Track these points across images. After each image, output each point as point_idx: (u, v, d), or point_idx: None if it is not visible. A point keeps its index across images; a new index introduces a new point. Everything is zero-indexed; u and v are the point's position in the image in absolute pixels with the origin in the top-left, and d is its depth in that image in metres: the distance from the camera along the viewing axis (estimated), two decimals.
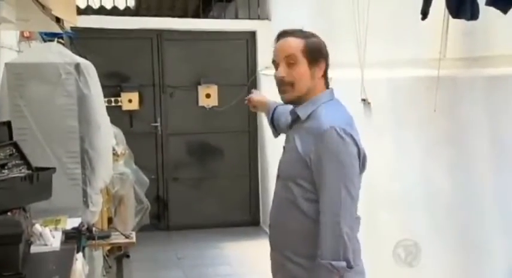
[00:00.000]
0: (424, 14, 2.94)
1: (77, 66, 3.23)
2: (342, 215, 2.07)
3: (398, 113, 3.91)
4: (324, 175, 2.12)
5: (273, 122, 2.91)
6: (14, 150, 2.72)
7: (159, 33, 7.01)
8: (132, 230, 4.13)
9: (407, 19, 3.18)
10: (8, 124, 2.84)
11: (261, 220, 7.45)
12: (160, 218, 7.01)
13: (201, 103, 7.22)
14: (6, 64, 3.24)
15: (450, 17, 2.85)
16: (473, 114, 3.04)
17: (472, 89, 3.09)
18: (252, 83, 7.34)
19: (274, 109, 2.88)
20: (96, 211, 3.55)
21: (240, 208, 7.45)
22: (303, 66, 2.23)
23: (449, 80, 3.22)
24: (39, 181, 2.69)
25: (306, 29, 5.04)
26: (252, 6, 7.45)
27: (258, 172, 7.37)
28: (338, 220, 2.06)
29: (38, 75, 3.19)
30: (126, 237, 3.73)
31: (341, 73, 4.38)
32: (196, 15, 7.64)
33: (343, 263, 2.00)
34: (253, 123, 7.46)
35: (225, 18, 7.76)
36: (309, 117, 2.27)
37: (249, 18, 7.33)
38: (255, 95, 3.10)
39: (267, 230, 5.53)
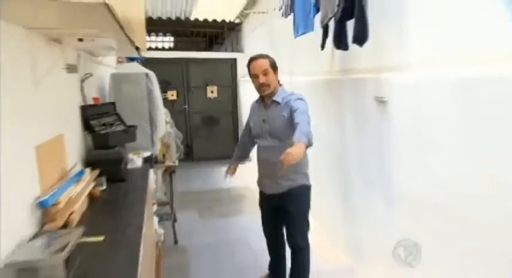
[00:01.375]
0: (322, 46, 2.98)
1: (147, 75, 3.23)
2: (308, 123, 2.11)
3: (312, 100, 3.86)
4: (300, 109, 2.19)
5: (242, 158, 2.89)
6: (117, 117, 2.76)
7: (187, 60, 6.93)
8: (175, 160, 4.18)
9: (315, 48, 3.12)
10: (114, 104, 2.89)
11: None
12: (189, 155, 7.00)
13: (208, 96, 7.17)
14: (111, 74, 3.24)
15: (335, 47, 2.83)
16: (347, 101, 3.05)
17: (345, 86, 3.07)
18: (235, 85, 7.30)
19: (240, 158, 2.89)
20: (158, 149, 3.58)
21: (228, 148, 7.21)
22: (271, 74, 2.33)
23: (335, 82, 3.23)
24: (129, 132, 2.74)
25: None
26: (234, 46, 7.41)
27: (238, 131, 7.31)
28: (308, 123, 2.10)
29: (127, 79, 3.18)
30: (173, 163, 3.80)
31: (281, 77, 4.42)
32: (205, 50, 7.61)
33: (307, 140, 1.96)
34: (234, 107, 7.39)
35: (220, 51, 7.72)
36: (283, 100, 2.35)
37: (233, 51, 7.30)
38: (231, 171, 2.88)
39: (244, 162, 5.47)
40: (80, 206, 1.80)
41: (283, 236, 2.66)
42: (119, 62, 4.10)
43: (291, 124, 2.21)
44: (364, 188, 2.85)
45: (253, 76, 2.36)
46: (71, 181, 1.81)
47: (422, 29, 2.13)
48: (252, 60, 2.38)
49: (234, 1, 5.57)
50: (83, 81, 2.44)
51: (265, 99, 2.44)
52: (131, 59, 3.75)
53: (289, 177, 2.37)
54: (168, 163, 3.87)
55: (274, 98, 2.38)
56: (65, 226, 1.58)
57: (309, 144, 1.97)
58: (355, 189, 3.01)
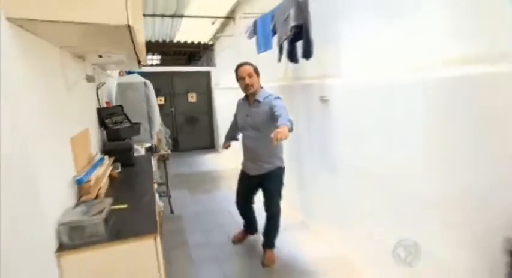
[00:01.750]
0: (279, 60, 3.00)
1: (145, 83, 3.20)
2: (287, 114, 2.04)
3: None
4: (279, 105, 2.12)
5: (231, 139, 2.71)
6: (124, 116, 2.71)
7: (172, 73, 6.71)
8: (168, 150, 4.11)
9: (273, 61, 3.15)
10: (121, 106, 2.82)
11: (215, 145, 7.25)
12: (175, 146, 6.76)
13: (189, 100, 6.99)
14: (117, 83, 3.17)
15: (289, 61, 2.89)
16: (299, 100, 3.08)
17: (297, 89, 3.12)
18: (210, 92, 7.13)
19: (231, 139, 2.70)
20: (155, 142, 3.54)
21: (206, 140, 7.27)
22: (255, 77, 2.28)
23: (289, 87, 3.28)
24: (135, 128, 2.68)
25: (229, 71, 4.75)
26: (208, 62, 7.31)
27: (213, 126, 7.23)
28: (287, 114, 2.03)
29: (130, 87, 3.13)
30: (166, 152, 3.75)
31: None
32: (185, 65, 7.47)
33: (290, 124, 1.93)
34: (210, 109, 7.22)
35: (197, 65, 7.60)
36: (264, 100, 2.27)
37: (207, 66, 7.18)
38: (226, 147, 2.73)
39: (219, 151, 5.22)
40: (105, 183, 1.82)
41: (253, 204, 2.70)
42: (120, 75, 4.00)
43: (270, 119, 2.17)
44: (313, 164, 2.96)
45: (240, 79, 2.28)
46: (96, 165, 1.82)
47: (352, 49, 2.29)
48: (239, 66, 2.31)
49: (208, 27, 5.55)
50: (98, 88, 2.41)
51: (250, 97, 2.36)
52: (129, 73, 3.65)
53: (268, 160, 2.35)
54: (162, 152, 3.85)
55: (256, 97, 2.30)
56: (95, 198, 1.61)
57: (291, 128, 1.94)
58: (306, 165, 3.11)
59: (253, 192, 2.60)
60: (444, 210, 1.66)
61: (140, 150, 2.78)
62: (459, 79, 1.49)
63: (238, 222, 3.12)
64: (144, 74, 5.02)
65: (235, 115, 2.58)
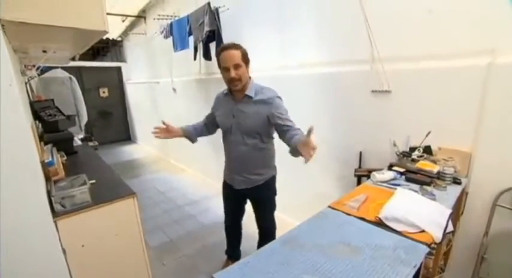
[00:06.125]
0: (194, 58, 3.16)
1: (70, 78, 2.96)
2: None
3: (189, 93, 3.87)
4: (284, 115, 1.48)
5: (188, 136, 1.80)
6: (57, 109, 2.54)
7: (80, 68, 5.87)
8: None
9: (188, 59, 3.24)
10: (53, 100, 2.61)
11: (131, 137, 6.81)
12: (91, 140, 6.21)
13: (101, 95, 6.34)
14: (40, 77, 2.81)
15: (204, 59, 3.03)
16: (213, 91, 2.97)
17: (210, 82, 3.24)
18: (121, 86, 6.56)
19: (188, 131, 1.80)
20: (84, 133, 3.30)
21: (122, 133, 6.76)
22: (244, 68, 1.50)
23: (203, 80, 3.43)
24: (70, 119, 2.52)
25: (141, 66, 4.55)
26: (118, 57, 6.72)
27: (128, 119, 6.74)
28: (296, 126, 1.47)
29: (55, 81, 2.84)
30: (95, 145, 3.55)
31: (161, 80, 4.23)
32: (92, 60, 6.62)
33: None
34: (122, 102, 6.65)
35: (105, 60, 6.82)
36: (257, 96, 1.53)
37: (118, 61, 6.56)
38: (163, 133, 1.69)
39: (136, 142, 4.81)
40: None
41: (241, 222, 2.02)
42: (28, 69, 3.45)
43: (268, 123, 1.53)
44: None
45: (224, 69, 1.49)
46: (52, 152, 1.76)
47: (255, 51, 2.58)
48: (222, 50, 1.48)
49: (118, 24, 5.15)
50: (26, 83, 2.19)
51: (235, 93, 1.57)
52: (47, 67, 3.18)
53: (258, 171, 1.67)
54: (92, 143, 3.62)
55: (247, 92, 1.54)
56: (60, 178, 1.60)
57: None
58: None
59: (242, 206, 1.91)
60: (319, 155, 2.28)
61: (77, 141, 2.62)
62: (319, 74, 2.12)
63: (167, 195, 3.25)
64: (51, 69, 4.45)
65: (212, 113, 1.77)
